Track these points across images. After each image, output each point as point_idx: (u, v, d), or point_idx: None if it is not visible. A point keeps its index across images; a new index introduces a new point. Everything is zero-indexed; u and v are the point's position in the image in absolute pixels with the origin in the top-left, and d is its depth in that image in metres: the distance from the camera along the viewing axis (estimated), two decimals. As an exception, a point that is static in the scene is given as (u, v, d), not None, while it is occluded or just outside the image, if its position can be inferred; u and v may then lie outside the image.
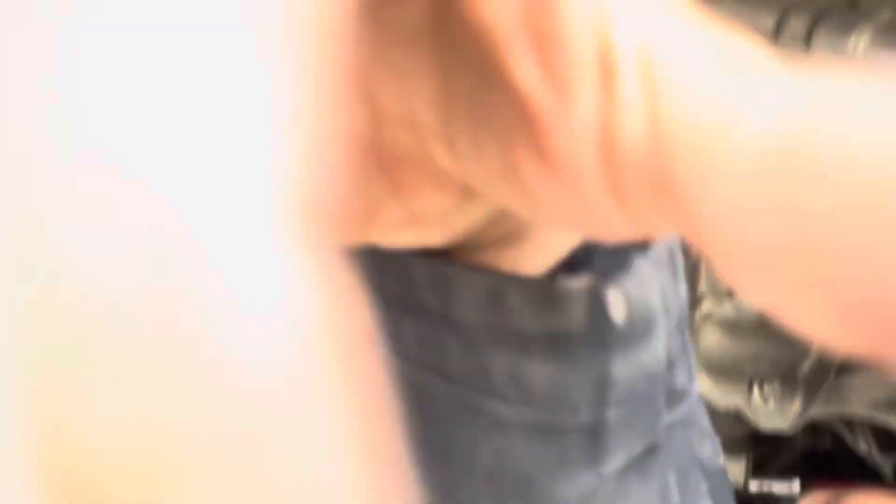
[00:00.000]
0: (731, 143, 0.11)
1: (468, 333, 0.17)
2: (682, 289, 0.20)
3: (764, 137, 0.11)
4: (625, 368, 0.17)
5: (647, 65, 0.12)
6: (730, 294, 0.96)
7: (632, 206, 0.12)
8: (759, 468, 1.04)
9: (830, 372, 0.97)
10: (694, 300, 0.97)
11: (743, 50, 0.12)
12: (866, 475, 1.24)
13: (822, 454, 1.27)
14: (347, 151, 0.08)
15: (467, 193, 0.15)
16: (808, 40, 0.75)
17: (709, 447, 0.22)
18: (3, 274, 0.06)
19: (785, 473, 0.94)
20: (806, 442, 1.21)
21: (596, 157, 0.12)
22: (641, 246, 0.18)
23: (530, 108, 0.12)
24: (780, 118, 0.11)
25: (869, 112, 0.11)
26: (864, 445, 1.08)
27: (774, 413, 0.97)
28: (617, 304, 0.17)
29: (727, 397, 0.96)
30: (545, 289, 0.16)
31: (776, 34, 0.73)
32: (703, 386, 0.96)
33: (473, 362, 0.17)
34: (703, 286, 0.97)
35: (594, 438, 0.18)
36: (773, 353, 0.98)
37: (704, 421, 0.22)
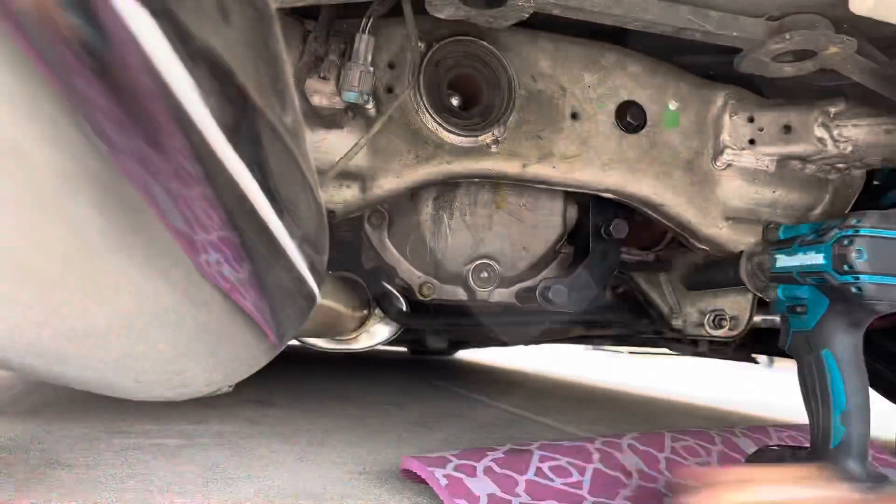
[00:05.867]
0: None
1: None
2: None
3: None
4: None
5: None
6: (751, 142, 1.01)
7: None
8: (763, 303, 1.11)
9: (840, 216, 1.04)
10: (716, 150, 1.01)
11: None
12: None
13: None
14: None
15: None
16: None
17: None
18: None
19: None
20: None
21: None
22: None
23: None
24: None
25: None
26: None
27: None
28: None
29: (743, 241, 1.02)
30: None
31: None
32: (722, 230, 1.00)
33: None
34: (725, 136, 1.01)
35: None
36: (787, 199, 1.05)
37: None
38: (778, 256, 0.76)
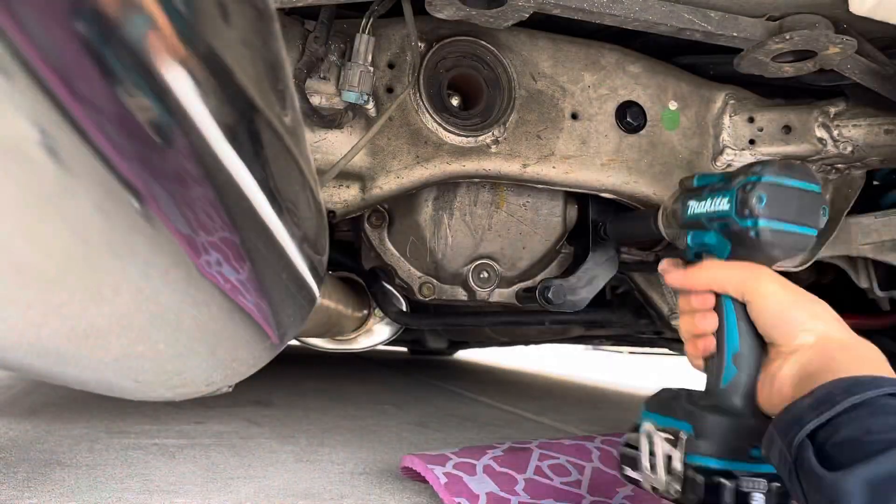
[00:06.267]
0: None
1: None
2: None
3: None
4: None
5: None
6: (751, 142, 1.01)
7: None
8: None
9: (841, 217, 1.04)
10: (716, 150, 1.01)
11: None
12: (865, 308, 1.37)
13: (824, 288, 1.39)
14: None
15: None
16: None
17: None
18: None
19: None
20: (810, 278, 1.33)
21: None
22: None
23: None
24: None
25: None
26: (865, 281, 1.19)
27: None
28: None
29: None
30: None
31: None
32: None
33: None
34: (725, 137, 1.02)
35: None
36: None
37: None
38: (689, 203, 0.77)
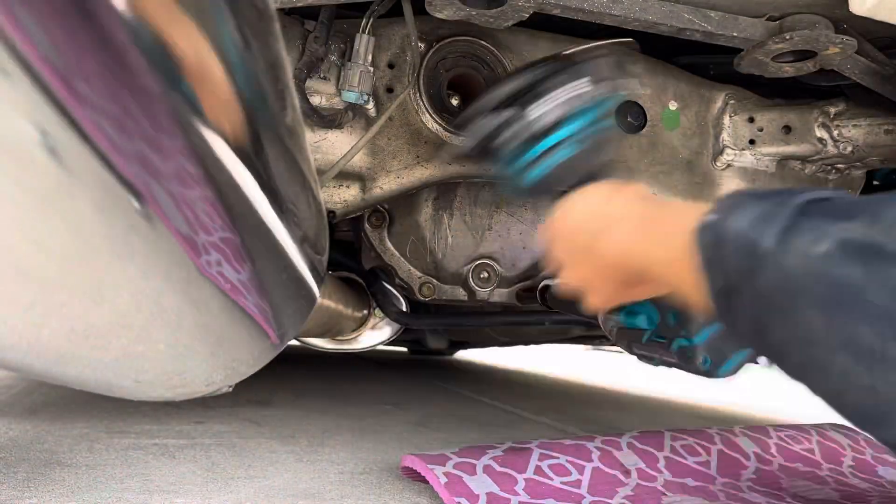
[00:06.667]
0: None
1: None
2: None
3: None
4: None
5: None
6: (751, 142, 1.01)
7: None
8: None
9: None
10: (716, 150, 1.01)
11: None
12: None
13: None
14: None
15: None
16: None
17: None
18: None
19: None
20: None
21: None
22: None
23: None
24: None
25: None
26: None
27: None
28: None
29: None
30: None
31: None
32: None
33: None
34: (725, 137, 1.02)
35: None
36: None
37: None
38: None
